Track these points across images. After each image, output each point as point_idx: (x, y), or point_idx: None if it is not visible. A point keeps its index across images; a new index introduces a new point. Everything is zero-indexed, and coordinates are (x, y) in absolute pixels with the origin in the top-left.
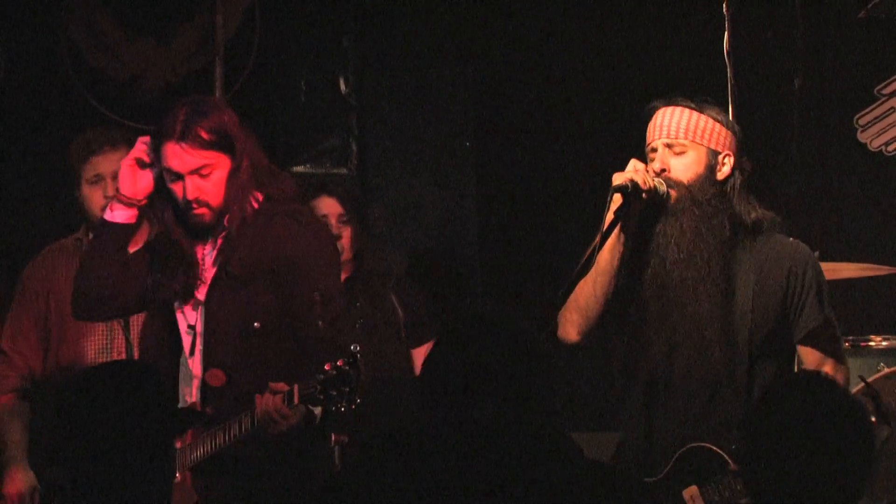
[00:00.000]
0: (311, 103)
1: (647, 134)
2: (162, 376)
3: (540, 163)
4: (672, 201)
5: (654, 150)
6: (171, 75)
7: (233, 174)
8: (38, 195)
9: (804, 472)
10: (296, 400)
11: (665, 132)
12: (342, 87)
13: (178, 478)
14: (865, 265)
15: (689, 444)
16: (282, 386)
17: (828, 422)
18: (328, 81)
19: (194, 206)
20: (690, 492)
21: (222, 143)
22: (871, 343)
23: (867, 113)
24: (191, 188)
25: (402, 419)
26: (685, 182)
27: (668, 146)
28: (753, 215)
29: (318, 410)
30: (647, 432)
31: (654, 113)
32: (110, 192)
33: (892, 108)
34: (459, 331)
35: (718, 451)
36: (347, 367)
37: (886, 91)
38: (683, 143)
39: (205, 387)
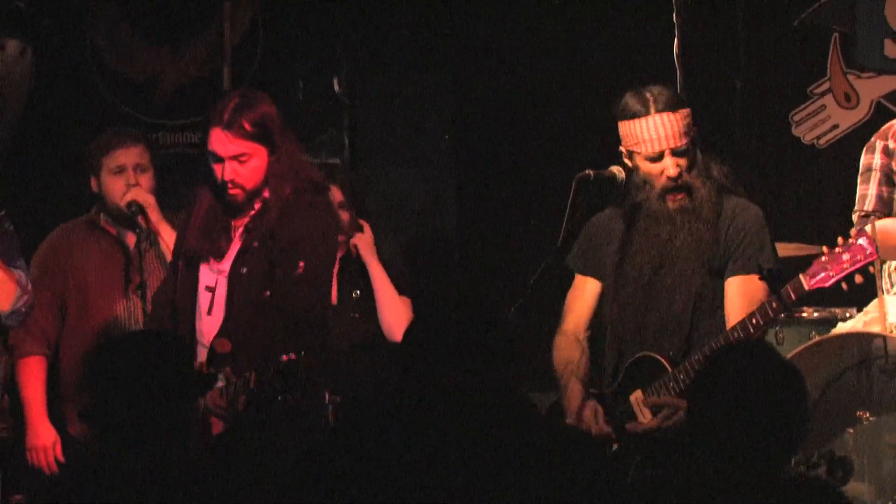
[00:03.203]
0: (308, 101)
1: (645, 142)
2: (184, 344)
3: (512, 155)
4: (693, 202)
5: (660, 157)
6: (185, 78)
7: (269, 164)
8: (62, 183)
9: (748, 427)
10: (251, 384)
11: (673, 142)
12: (336, 86)
13: None
14: (799, 245)
15: (635, 356)
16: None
17: (766, 382)
18: (323, 82)
19: (230, 186)
20: (636, 395)
21: (262, 135)
22: (804, 314)
23: (801, 110)
24: (228, 171)
25: (382, 384)
26: (695, 181)
27: (674, 153)
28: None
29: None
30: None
31: (639, 117)
32: (132, 181)
33: (823, 105)
34: (434, 307)
35: (659, 357)
36: (293, 364)
37: (818, 90)
38: (686, 148)
39: (212, 351)
